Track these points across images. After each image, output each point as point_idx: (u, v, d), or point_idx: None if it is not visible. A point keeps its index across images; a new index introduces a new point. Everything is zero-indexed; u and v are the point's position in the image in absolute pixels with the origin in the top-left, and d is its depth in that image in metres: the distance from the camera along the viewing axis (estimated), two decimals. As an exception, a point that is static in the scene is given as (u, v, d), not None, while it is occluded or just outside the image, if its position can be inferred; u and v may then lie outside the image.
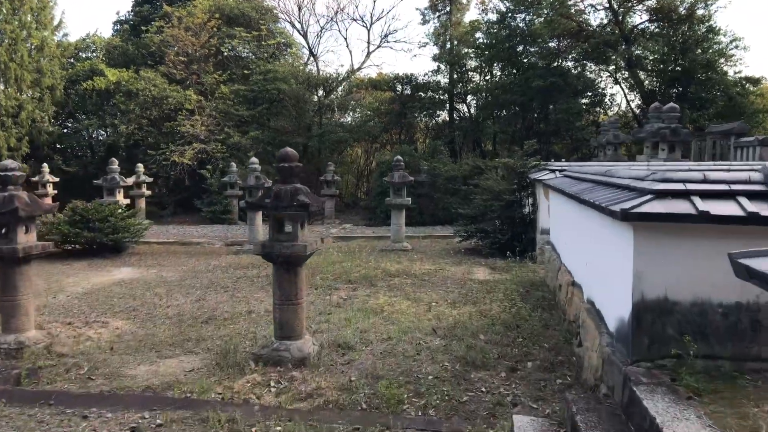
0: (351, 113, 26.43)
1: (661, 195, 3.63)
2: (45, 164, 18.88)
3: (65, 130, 24.13)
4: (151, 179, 18.54)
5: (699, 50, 19.65)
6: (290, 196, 5.44)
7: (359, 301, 7.76)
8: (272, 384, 4.98)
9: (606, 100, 23.50)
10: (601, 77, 23.18)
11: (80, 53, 25.24)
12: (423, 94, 23.86)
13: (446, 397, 4.60)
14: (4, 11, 19.98)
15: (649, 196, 3.65)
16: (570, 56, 22.30)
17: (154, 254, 12.51)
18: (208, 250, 13.16)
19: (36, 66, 21.02)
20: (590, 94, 22.60)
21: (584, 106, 22.22)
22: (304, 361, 5.38)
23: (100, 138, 23.54)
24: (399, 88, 24.29)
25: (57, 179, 18.92)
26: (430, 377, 5.00)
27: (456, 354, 5.50)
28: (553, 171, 9.81)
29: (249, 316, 7.29)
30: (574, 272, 6.41)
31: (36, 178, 18.55)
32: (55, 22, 22.39)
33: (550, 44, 21.82)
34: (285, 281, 5.57)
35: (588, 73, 22.60)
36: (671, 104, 12.74)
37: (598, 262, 4.98)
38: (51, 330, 6.63)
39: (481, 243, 11.62)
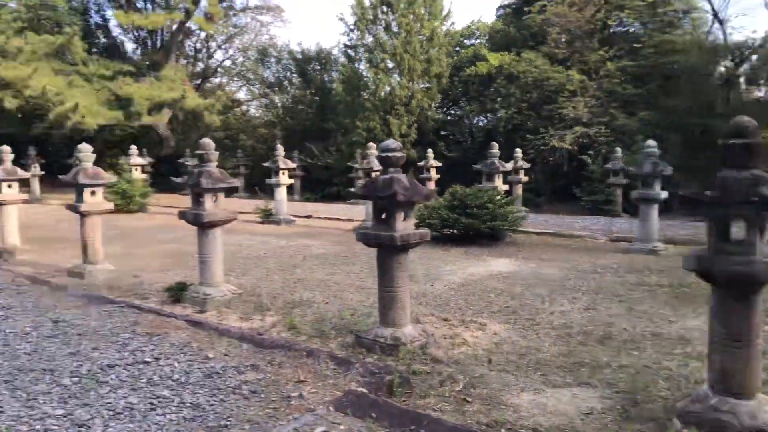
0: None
1: None
2: (430, 150, 19.70)
3: (448, 117, 25.23)
4: (528, 165, 17.85)
5: None
6: (747, 187, 3.65)
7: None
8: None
9: None
10: None
11: (464, 40, 26.11)
12: None
13: None
14: (402, 6, 21.54)
15: None
16: None
17: (532, 246, 11.57)
18: (590, 246, 11.69)
19: (426, 56, 22.24)
20: None
21: None
22: (760, 436, 3.59)
23: (480, 124, 23.97)
24: None
25: (440, 164, 19.59)
26: None
27: None
28: None
29: (656, 340, 5.64)
30: None
31: (422, 163, 19.48)
32: (444, 12, 23.39)
33: None
34: (730, 311, 3.81)
35: None
36: None
37: None
38: (426, 326, 6.03)
39: None
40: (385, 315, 5.55)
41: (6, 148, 10.22)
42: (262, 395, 4.40)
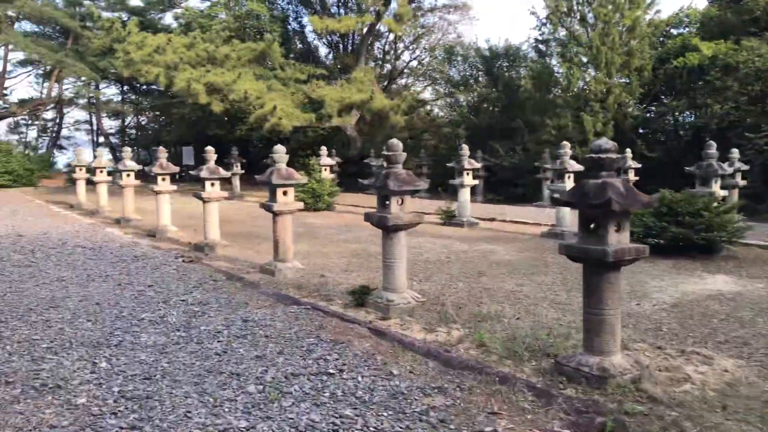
0: None
1: None
2: (628, 149, 18.06)
3: (649, 114, 23.11)
4: (747, 167, 15.59)
5: None
6: None
7: None
8: None
9: None
10: None
11: (671, 29, 23.72)
12: None
13: None
14: (600, -4, 20.12)
15: None
16: None
17: (757, 261, 9.91)
18: (835, 264, 9.75)
19: (625, 48, 20.52)
20: None
21: None
22: None
23: (686, 121, 21.62)
24: None
25: (639, 165, 17.89)
26: None
27: None
28: None
29: None
30: None
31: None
32: (648, 0, 21.38)
33: None
34: None
35: None
36: None
37: None
38: (638, 355, 5.16)
39: None
40: (591, 340, 4.81)
41: (209, 148, 10.85)
42: (452, 426, 3.91)
